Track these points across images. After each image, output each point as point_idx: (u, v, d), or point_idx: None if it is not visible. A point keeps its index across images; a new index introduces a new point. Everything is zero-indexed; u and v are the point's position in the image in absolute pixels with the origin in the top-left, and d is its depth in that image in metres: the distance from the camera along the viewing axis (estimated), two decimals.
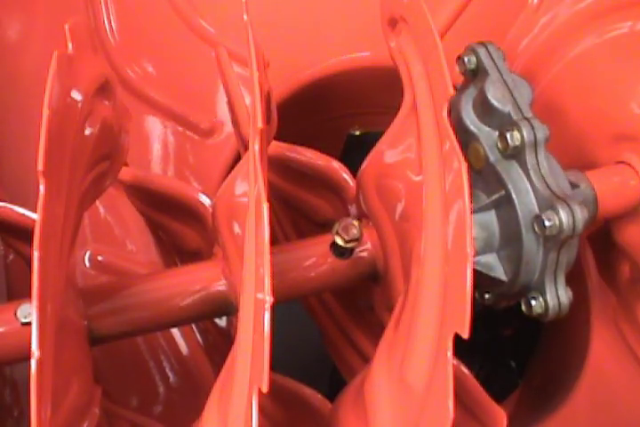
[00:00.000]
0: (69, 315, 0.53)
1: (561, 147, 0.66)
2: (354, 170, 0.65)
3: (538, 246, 0.61)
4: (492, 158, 0.62)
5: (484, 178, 0.63)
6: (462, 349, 0.48)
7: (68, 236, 0.50)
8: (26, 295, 0.49)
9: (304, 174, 0.70)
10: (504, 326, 0.88)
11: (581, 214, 0.59)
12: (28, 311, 0.54)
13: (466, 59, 0.65)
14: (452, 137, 0.49)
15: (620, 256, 0.74)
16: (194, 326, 0.78)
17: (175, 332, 0.77)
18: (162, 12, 0.83)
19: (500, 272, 0.62)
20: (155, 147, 0.83)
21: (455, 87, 0.62)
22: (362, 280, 0.63)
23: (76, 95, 0.50)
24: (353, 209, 0.69)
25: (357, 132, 0.88)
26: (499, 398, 0.53)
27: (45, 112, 0.45)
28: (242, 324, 0.47)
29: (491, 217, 0.62)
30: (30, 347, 0.42)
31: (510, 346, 0.89)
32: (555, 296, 0.62)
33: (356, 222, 0.59)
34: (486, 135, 0.63)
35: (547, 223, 0.59)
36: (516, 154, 0.61)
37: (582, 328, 0.77)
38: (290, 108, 0.78)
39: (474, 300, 0.48)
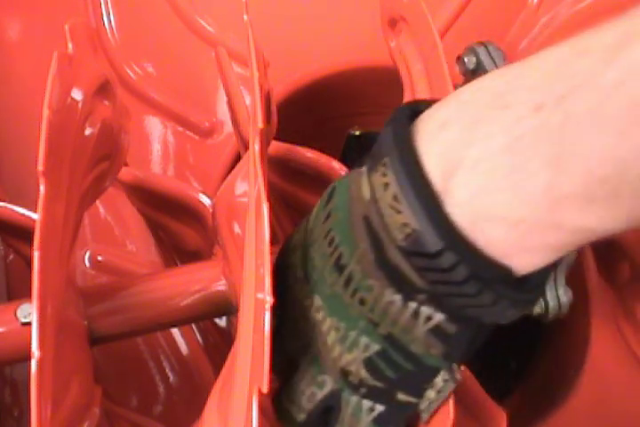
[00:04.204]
0: (70, 315, 0.53)
1: None
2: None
3: None
4: None
5: None
6: None
7: (68, 236, 0.50)
8: (26, 295, 0.49)
9: (304, 174, 0.70)
10: (504, 326, 0.88)
11: None
12: (28, 311, 0.54)
13: (466, 59, 0.65)
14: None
15: (620, 256, 0.74)
16: (194, 326, 0.78)
17: (175, 332, 0.77)
18: (162, 12, 0.83)
19: None
20: (155, 147, 0.83)
21: (455, 87, 0.62)
22: None
23: (77, 95, 0.50)
24: None
25: (357, 132, 0.88)
26: (499, 398, 0.53)
27: (45, 112, 0.45)
28: (242, 324, 0.47)
29: None
30: (30, 347, 0.42)
31: (510, 346, 0.89)
32: (555, 296, 0.62)
33: None
34: None
35: None
36: None
37: (582, 328, 0.77)
38: (290, 108, 0.78)
39: None
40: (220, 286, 0.59)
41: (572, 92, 0.36)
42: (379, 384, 0.46)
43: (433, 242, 0.40)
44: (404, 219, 0.41)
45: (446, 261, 0.40)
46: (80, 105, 0.50)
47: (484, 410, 0.53)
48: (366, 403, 0.47)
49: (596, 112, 0.35)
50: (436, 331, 0.44)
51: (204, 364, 0.77)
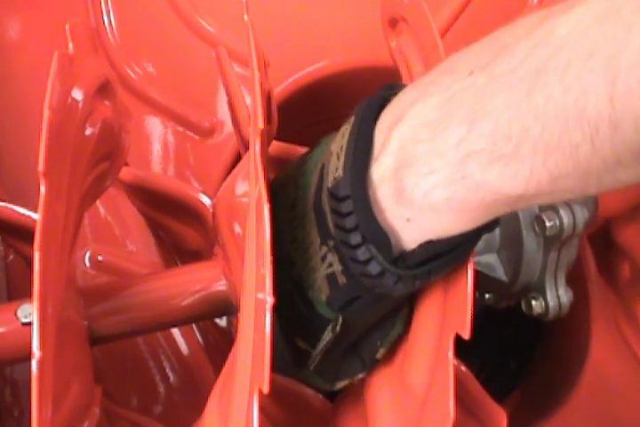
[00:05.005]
0: (70, 315, 0.53)
1: None
2: None
3: (538, 246, 0.61)
4: None
5: None
6: (462, 349, 0.48)
7: (68, 236, 0.50)
8: (26, 295, 0.49)
9: None
10: (504, 326, 0.88)
11: (582, 214, 0.60)
12: (29, 311, 0.54)
13: None
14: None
15: (620, 256, 0.74)
16: (194, 326, 0.78)
17: (175, 332, 0.77)
18: (162, 12, 0.83)
19: (500, 272, 0.62)
20: (155, 147, 0.83)
21: None
22: None
23: (77, 95, 0.50)
24: None
25: None
26: (499, 398, 0.53)
27: (46, 112, 0.45)
28: (242, 324, 0.47)
29: None
30: (30, 347, 0.42)
31: (510, 346, 0.89)
32: (555, 296, 0.62)
33: None
34: None
35: (547, 223, 0.59)
36: None
37: (582, 328, 0.77)
38: (290, 108, 0.78)
39: (474, 300, 0.48)
40: (221, 285, 0.59)
41: (495, 58, 0.40)
42: (284, 323, 0.51)
43: (344, 188, 0.45)
44: (338, 164, 0.45)
45: (345, 208, 0.45)
46: (80, 105, 0.50)
47: (483, 410, 0.53)
48: (281, 343, 0.52)
49: (511, 74, 0.39)
50: (331, 278, 0.48)
51: (204, 364, 0.77)
